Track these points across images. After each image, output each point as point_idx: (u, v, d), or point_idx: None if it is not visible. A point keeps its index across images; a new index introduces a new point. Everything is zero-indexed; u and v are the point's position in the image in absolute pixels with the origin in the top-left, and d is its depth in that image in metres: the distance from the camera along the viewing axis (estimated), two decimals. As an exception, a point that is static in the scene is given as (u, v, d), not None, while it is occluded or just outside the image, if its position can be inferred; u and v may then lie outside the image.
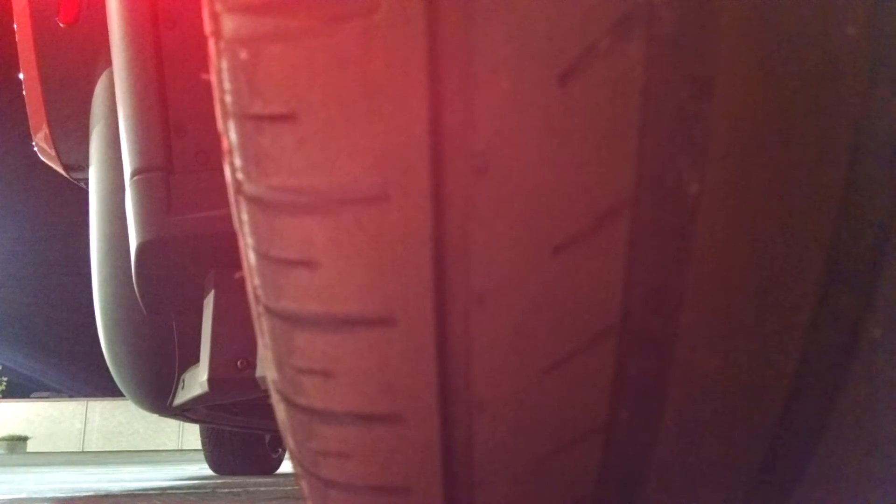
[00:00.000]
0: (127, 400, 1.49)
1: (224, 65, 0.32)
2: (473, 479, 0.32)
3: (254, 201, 0.33)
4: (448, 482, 0.32)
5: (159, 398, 1.30)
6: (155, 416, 1.73)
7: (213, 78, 0.34)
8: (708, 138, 0.27)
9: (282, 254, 0.33)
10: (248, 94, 0.32)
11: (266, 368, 0.37)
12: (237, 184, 0.34)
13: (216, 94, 0.34)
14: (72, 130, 1.19)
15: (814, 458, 0.31)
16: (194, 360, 1.10)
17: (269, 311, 0.34)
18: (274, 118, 0.31)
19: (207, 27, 0.34)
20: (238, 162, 0.33)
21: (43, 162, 1.36)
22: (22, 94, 1.21)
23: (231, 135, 0.33)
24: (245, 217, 0.34)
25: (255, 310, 0.36)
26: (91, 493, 2.01)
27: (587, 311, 0.28)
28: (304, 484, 0.38)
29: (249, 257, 0.34)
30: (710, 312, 0.28)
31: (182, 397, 1.20)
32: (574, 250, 0.28)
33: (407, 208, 0.29)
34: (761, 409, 0.30)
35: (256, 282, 0.35)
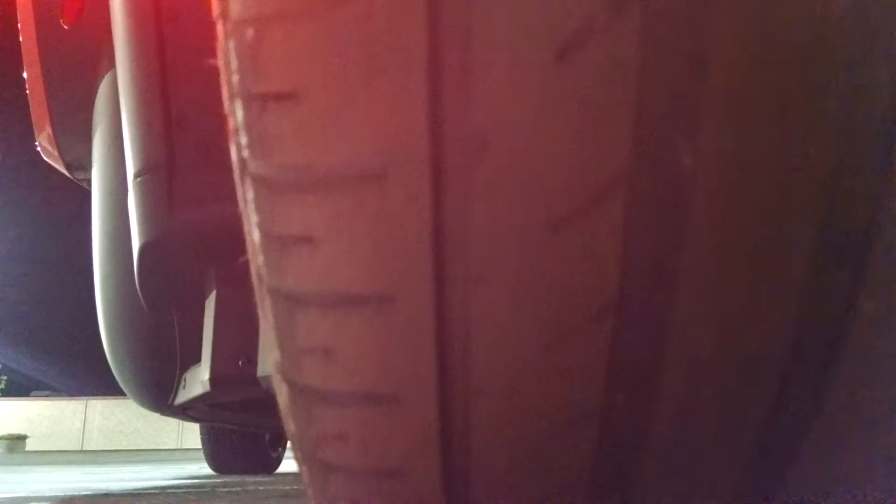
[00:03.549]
0: (127, 399, 1.49)
1: (231, 45, 0.33)
2: (471, 462, 0.32)
3: (258, 180, 0.33)
4: (445, 466, 0.32)
5: (161, 397, 1.30)
6: (155, 416, 1.73)
7: (221, 60, 0.34)
8: (702, 114, 0.27)
9: (285, 231, 0.33)
10: (254, 74, 0.32)
11: (269, 350, 0.37)
12: (242, 163, 0.34)
13: (223, 76, 0.34)
14: (74, 130, 1.19)
15: (810, 439, 0.31)
16: (196, 359, 1.11)
17: (272, 291, 0.35)
18: (277, 97, 0.32)
19: (215, 10, 0.34)
20: (243, 141, 0.34)
21: (43, 161, 1.37)
22: (22, 93, 1.21)
23: (237, 114, 0.34)
24: (250, 195, 0.34)
25: (259, 291, 0.36)
26: (91, 493, 2.00)
27: (585, 290, 0.28)
28: (304, 469, 0.38)
29: (254, 235, 0.35)
30: (706, 290, 0.28)
31: (184, 396, 1.21)
32: (571, 228, 0.28)
33: (406, 187, 0.29)
34: (757, 388, 0.30)
35: (260, 261, 0.35)
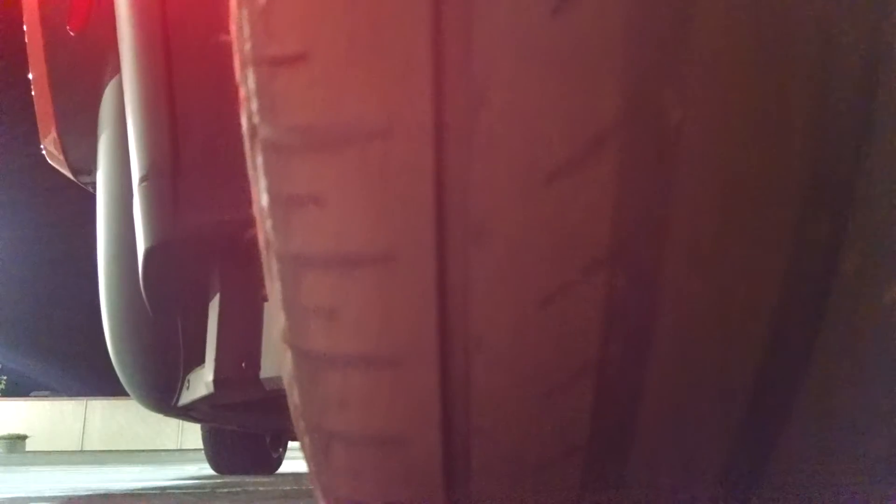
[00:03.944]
0: (127, 400, 1.50)
1: (244, 13, 0.34)
2: (471, 427, 0.32)
3: (268, 144, 0.34)
4: (446, 431, 0.32)
5: (164, 398, 1.31)
6: (155, 417, 1.74)
7: (234, 30, 0.36)
8: (689, 66, 0.28)
9: (293, 192, 0.34)
10: (265, 38, 0.34)
11: (275, 317, 0.38)
12: (252, 129, 0.35)
13: (236, 46, 0.35)
14: (80, 135, 1.21)
15: (804, 390, 0.31)
16: (199, 361, 1.12)
17: (280, 255, 0.35)
18: (288, 60, 0.33)
19: None
20: (254, 107, 0.35)
21: (43, 161, 1.38)
22: (22, 93, 1.22)
23: (249, 82, 0.35)
24: (259, 161, 0.35)
25: (266, 257, 0.37)
26: (90, 493, 1.99)
27: (579, 241, 0.29)
28: (306, 442, 0.39)
29: (262, 200, 0.36)
30: (696, 239, 0.29)
31: (187, 397, 1.22)
32: (565, 179, 0.29)
33: (409, 143, 0.30)
34: (748, 337, 0.30)
35: (268, 225, 0.36)
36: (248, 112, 0.35)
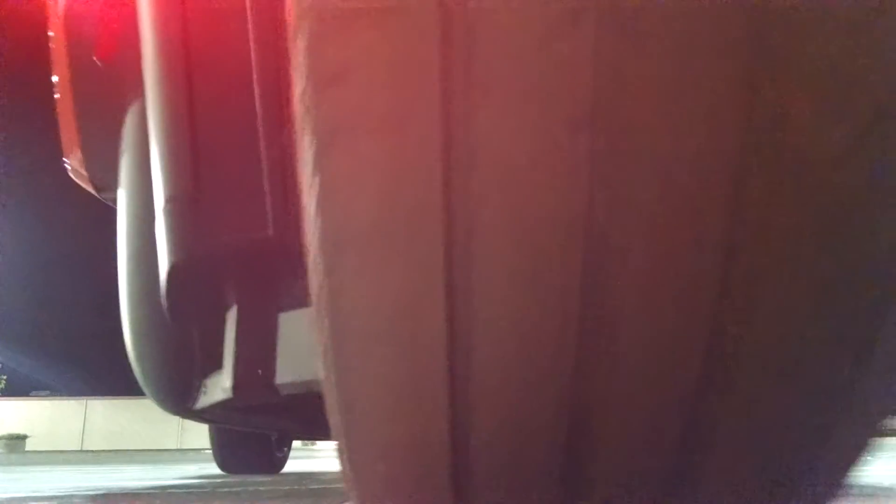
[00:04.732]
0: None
1: None
2: (472, 290, 0.34)
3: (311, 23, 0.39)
4: (449, 294, 0.35)
5: (181, 401, 1.36)
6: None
7: None
8: None
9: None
10: None
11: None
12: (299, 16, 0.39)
13: None
14: (103, 155, 1.26)
15: (766, 256, 0.33)
16: (215, 366, 1.18)
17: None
18: None
19: None
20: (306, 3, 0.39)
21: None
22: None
23: None
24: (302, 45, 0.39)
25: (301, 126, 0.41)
26: (91, 493, 2.00)
27: (566, 100, 0.32)
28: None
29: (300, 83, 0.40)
30: (656, 102, 0.32)
31: (204, 401, 1.27)
32: (553, 45, 0.32)
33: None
34: (711, 195, 0.32)
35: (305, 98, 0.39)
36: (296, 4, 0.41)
